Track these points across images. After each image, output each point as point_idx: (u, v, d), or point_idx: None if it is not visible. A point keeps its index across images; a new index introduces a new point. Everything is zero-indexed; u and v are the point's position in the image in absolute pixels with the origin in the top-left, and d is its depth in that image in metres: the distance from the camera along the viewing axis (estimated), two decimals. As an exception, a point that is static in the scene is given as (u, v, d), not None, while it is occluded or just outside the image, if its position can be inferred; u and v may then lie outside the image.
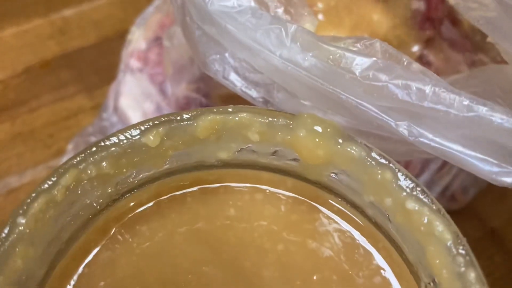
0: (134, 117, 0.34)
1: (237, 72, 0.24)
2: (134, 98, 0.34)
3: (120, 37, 0.40)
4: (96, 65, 0.42)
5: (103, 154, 0.18)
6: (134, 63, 0.35)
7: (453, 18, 0.35)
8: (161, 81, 0.34)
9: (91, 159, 0.18)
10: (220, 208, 0.20)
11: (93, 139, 0.36)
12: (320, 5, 0.30)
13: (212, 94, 0.32)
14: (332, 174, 0.20)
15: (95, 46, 0.43)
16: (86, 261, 0.19)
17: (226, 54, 0.24)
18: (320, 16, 0.30)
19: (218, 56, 0.24)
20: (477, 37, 0.35)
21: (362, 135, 0.22)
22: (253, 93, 0.24)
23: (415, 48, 0.30)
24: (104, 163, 0.18)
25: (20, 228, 0.16)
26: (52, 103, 0.40)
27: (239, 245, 0.20)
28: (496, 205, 0.35)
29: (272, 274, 0.19)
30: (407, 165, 0.31)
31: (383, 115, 0.19)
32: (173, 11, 0.35)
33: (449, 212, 0.18)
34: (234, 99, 0.25)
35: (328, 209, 0.21)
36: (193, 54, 0.25)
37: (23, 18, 0.43)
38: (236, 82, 0.24)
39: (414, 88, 0.18)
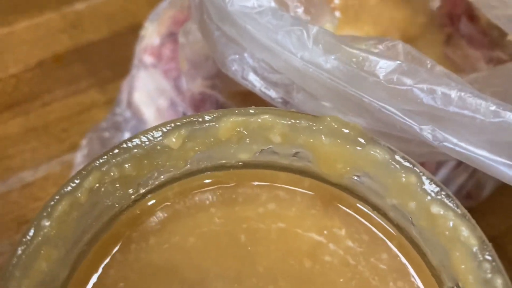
0: (148, 112, 0.34)
1: (256, 72, 0.24)
2: (148, 93, 0.34)
3: (132, 31, 0.40)
4: (108, 59, 0.42)
5: (125, 156, 0.18)
6: (148, 59, 0.34)
7: (470, 14, 0.35)
8: (175, 76, 0.33)
9: (114, 160, 0.18)
10: (238, 208, 0.20)
11: (106, 134, 0.36)
12: (337, 1, 0.30)
13: (228, 91, 0.32)
14: (354, 176, 0.19)
15: (108, 40, 0.43)
16: (106, 261, 0.19)
17: (245, 54, 0.23)
18: (337, 13, 0.30)
19: (237, 56, 0.24)
20: (495, 33, 0.35)
21: (383, 136, 0.22)
22: (272, 93, 0.24)
23: (437, 46, 0.30)
24: (126, 165, 0.18)
25: (45, 230, 0.16)
26: (65, 97, 0.40)
27: (255, 246, 0.20)
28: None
29: (286, 274, 0.19)
30: (422, 164, 0.31)
31: (407, 118, 0.19)
32: (187, 6, 0.35)
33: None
34: (251, 96, 0.25)
35: (348, 209, 0.21)
36: (212, 54, 0.24)
37: (35, 11, 0.43)
38: (255, 82, 0.24)
39: (440, 92, 0.18)
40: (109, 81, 0.40)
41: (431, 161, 0.23)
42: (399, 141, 0.22)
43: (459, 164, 0.33)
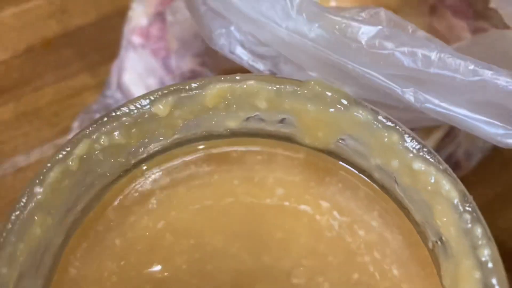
0: (138, 92, 0.34)
1: (243, 46, 0.24)
2: (137, 73, 0.34)
3: (119, 14, 0.40)
4: (97, 43, 0.42)
5: (114, 124, 0.18)
6: (136, 39, 0.35)
7: (455, -14, 0.35)
8: (164, 56, 0.34)
9: (103, 129, 0.18)
10: (229, 175, 0.21)
11: (97, 116, 0.36)
12: (321, -24, 0.30)
13: (218, 68, 0.32)
14: (339, 140, 0.20)
15: (95, 23, 0.43)
16: (98, 229, 0.19)
17: (232, 28, 0.24)
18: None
19: (224, 30, 0.24)
20: (479, 5, 0.35)
21: (369, 104, 0.22)
22: (260, 66, 0.24)
23: (421, 17, 0.30)
24: (116, 133, 0.18)
25: (38, 197, 0.17)
26: (56, 82, 0.40)
27: (249, 214, 0.21)
28: (500, 171, 0.36)
29: (282, 236, 0.19)
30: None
31: (389, 82, 0.19)
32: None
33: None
34: (241, 72, 0.25)
35: (335, 174, 0.21)
36: (199, 29, 0.25)
37: (22, -2, 0.43)
38: (242, 56, 0.24)
39: (420, 55, 0.18)
40: (98, 65, 0.41)
41: (418, 127, 0.23)
42: (385, 108, 0.22)
43: (447, 135, 0.33)
